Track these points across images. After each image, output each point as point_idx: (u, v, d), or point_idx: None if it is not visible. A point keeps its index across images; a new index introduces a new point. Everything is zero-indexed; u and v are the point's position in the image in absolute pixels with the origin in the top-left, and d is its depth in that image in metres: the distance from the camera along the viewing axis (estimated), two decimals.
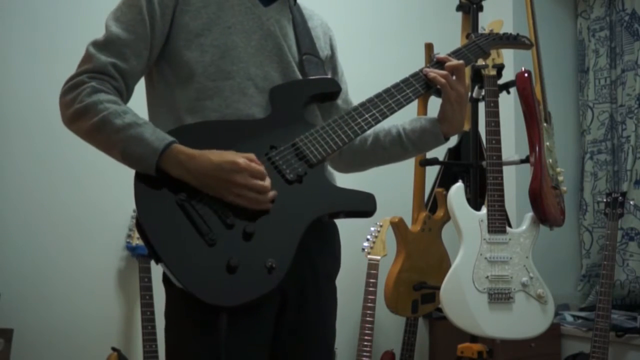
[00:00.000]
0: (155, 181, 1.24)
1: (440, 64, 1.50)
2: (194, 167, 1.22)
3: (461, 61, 1.49)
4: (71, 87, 1.30)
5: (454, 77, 1.46)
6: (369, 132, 1.53)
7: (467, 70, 2.53)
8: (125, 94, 1.35)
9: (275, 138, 1.32)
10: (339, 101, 1.55)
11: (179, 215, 1.21)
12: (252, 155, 1.24)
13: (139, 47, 1.34)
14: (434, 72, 1.46)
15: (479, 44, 1.60)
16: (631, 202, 3.34)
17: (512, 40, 1.75)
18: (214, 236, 1.20)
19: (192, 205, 1.22)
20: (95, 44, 1.33)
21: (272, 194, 1.24)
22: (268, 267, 1.20)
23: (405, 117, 1.58)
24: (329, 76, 1.51)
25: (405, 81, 1.47)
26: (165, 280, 1.33)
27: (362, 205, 1.33)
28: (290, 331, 1.35)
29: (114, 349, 2.49)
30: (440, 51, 2.64)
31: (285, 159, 1.30)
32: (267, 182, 1.24)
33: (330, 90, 1.45)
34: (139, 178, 1.26)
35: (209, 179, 1.22)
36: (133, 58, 1.33)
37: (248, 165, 1.22)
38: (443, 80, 1.45)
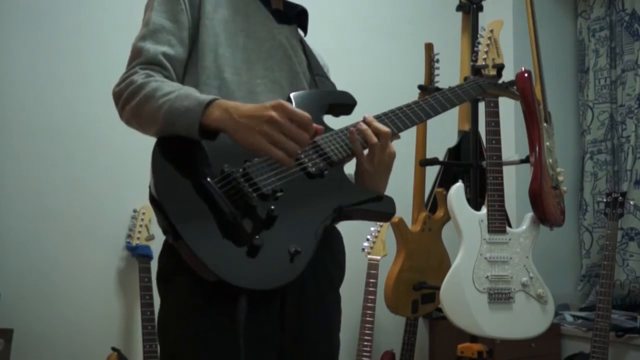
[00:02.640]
0: (176, 155, 1.21)
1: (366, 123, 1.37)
2: (236, 108, 1.19)
3: (387, 129, 1.35)
4: (125, 77, 1.30)
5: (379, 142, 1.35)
6: None
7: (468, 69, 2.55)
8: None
9: None
10: None
11: (200, 192, 1.18)
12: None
13: (182, 35, 1.35)
14: (362, 131, 1.34)
15: (479, 84, 1.65)
16: (631, 202, 3.34)
17: (504, 89, 1.96)
18: (237, 216, 1.17)
19: (214, 184, 1.19)
20: (142, 37, 1.34)
21: (317, 126, 1.21)
22: (292, 252, 1.18)
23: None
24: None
25: (425, 100, 1.49)
26: (161, 279, 1.31)
27: (384, 207, 1.35)
28: (291, 341, 1.31)
29: (114, 349, 2.49)
30: (440, 52, 2.67)
31: (307, 154, 1.30)
32: (305, 136, 1.19)
33: (349, 103, 1.46)
34: (159, 150, 1.22)
35: (246, 120, 1.17)
36: (179, 46, 1.35)
37: (293, 108, 1.18)
38: (374, 140, 1.33)
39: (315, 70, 1.51)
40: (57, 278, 2.52)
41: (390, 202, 1.36)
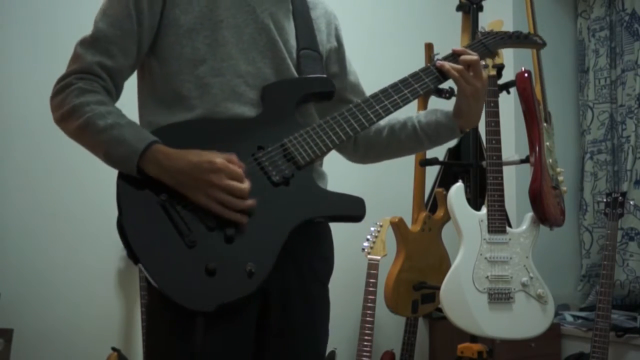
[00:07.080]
0: (138, 181, 1.23)
1: (455, 56, 1.43)
2: (170, 165, 1.20)
3: (476, 57, 1.41)
4: (60, 89, 1.31)
5: (470, 72, 1.40)
6: (382, 123, 1.50)
7: None
8: (114, 92, 1.33)
9: (264, 138, 1.29)
10: (350, 94, 1.52)
11: (160, 215, 1.20)
12: (232, 157, 1.21)
13: (125, 44, 1.30)
14: (448, 65, 1.40)
15: (484, 43, 1.53)
16: (631, 202, 3.34)
17: (522, 40, 1.64)
18: (194, 237, 1.18)
19: (174, 206, 1.20)
20: (83, 43, 1.31)
21: (250, 202, 1.20)
22: (247, 271, 1.18)
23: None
24: (325, 74, 1.44)
25: (414, 75, 1.42)
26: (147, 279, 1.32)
27: (349, 210, 1.30)
28: (275, 335, 1.31)
29: (114, 349, 2.49)
30: (440, 52, 2.67)
31: (271, 160, 1.27)
32: (246, 185, 1.20)
33: (323, 90, 1.40)
34: (122, 178, 1.25)
35: (184, 178, 1.19)
36: (120, 55, 1.30)
37: (226, 165, 1.19)
38: (457, 74, 1.39)
39: (302, 43, 1.41)
40: (57, 278, 2.52)
41: (358, 204, 1.29)
